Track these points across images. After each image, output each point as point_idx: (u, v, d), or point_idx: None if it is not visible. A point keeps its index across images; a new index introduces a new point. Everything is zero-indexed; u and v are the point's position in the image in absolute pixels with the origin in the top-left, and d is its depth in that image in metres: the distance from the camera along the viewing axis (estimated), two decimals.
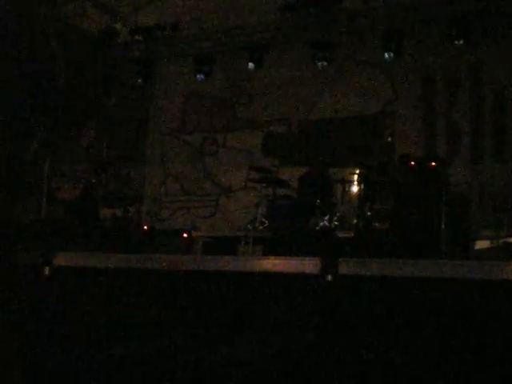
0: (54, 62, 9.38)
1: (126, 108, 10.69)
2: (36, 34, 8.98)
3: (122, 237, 8.08)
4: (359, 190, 7.28)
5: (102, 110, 10.44)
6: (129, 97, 10.61)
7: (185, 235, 8.74)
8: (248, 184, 9.62)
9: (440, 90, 8.95)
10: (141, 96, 10.79)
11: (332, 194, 7.74)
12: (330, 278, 5.18)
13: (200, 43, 9.86)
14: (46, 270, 6.30)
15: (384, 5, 8.58)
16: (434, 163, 6.92)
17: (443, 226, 6.23)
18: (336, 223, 7.48)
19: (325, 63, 8.90)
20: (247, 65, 9.37)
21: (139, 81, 10.09)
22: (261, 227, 7.82)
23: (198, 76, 9.71)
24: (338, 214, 7.54)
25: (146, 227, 9.28)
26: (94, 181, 8.69)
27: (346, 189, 7.77)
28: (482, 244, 6.89)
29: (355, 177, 7.50)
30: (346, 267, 5.22)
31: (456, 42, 8.17)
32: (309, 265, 5.35)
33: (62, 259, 6.42)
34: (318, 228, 7.26)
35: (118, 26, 10.02)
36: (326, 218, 7.33)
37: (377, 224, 6.87)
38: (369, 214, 6.99)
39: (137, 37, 9.98)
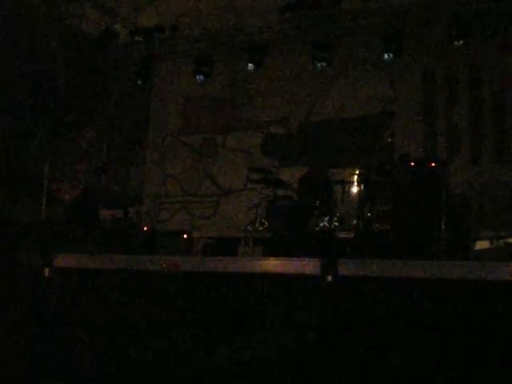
0: (54, 63, 9.38)
1: (125, 109, 10.69)
2: (36, 35, 8.98)
3: (122, 238, 8.07)
4: (359, 191, 7.27)
5: (102, 110, 10.44)
6: (128, 98, 10.61)
7: (185, 236, 8.74)
8: (248, 185, 9.62)
9: (440, 90, 8.94)
10: (140, 97, 10.79)
11: (332, 195, 7.73)
12: (329, 278, 5.18)
13: (200, 44, 9.86)
14: (46, 272, 6.30)
15: (384, 5, 8.59)
16: (433, 164, 6.92)
17: (443, 227, 6.22)
18: (336, 224, 7.47)
19: (324, 64, 8.90)
20: (247, 66, 9.37)
21: (139, 82, 10.09)
22: (261, 228, 7.82)
23: (197, 77, 9.71)
24: (337, 215, 7.54)
25: (145, 228, 9.27)
26: (93, 182, 8.68)
27: (346, 189, 7.77)
28: (482, 244, 6.89)
29: (355, 177, 7.50)
30: (345, 268, 5.22)
31: (456, 43, 8.18)
32: (309, 266, 5.35)
33: (61, 260, 6.42)
34: (317, 229, 7.25)
35: (118, 27, 10.02)
36: (326, 218, 7.32)
37: (377, 225, 6.85)
38: (369, 214, 6.97)
39: (136, 38, 9.98)
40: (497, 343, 4.41)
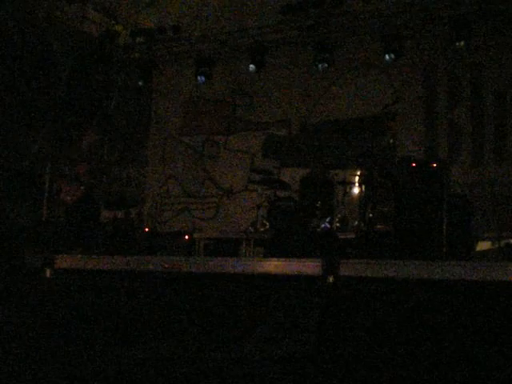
0: (55, 64, 9.39)
1: (126, 110, 10.70)
2: (37, 36, 8.99)
3: (123, 239, 8.08)
4: (360, 192, 7.28)
5: (103, 112, 10.45)
6: (130, 99, 10.62)
7: (186, 237, 8.75)
8: (249, 186, 9.62)
9: (441, 91, 8.94)
10: (142, 98, 10.80)
11: (333, 196, 7.74)
12: (331, 279, 5.17)
13: (201, 45, 9.87)
14: (47, 272, 6.30)
15: (384, 6, 8.59)
16: (435, 164, 6.91)
17: (445, 228, 6.22)
18: (337, 225, 7.48)
19: (326, 65, 8.91)
20: (248, 67, 9.38)
21: (140, 83, 10.10)
22: (262, 229, 7.83)
23: (198, 78, 9.72)
24: (339, 216, 7.55)
25: (147, 229, 9.28)
26: (95, 183, 8.70)
27: (348, 190, 7.78)
28: (483, 245, 6.89)
29: (356, 178, 7.50)
30: (347, 269, 5.21)
31: (457, 44, 8.18)
32: (310, 266, 5.34)
33: (62, 261, 6.42)
34: (319, 229, 7.26)
35: (119, 28, 10.03)
36: (328, 219, 7.33)
37: (378, 225, 6.86)
38: (370, 215, 6.98)
39: (138, 39, 10.00)
40: (499, 343, 4.40)
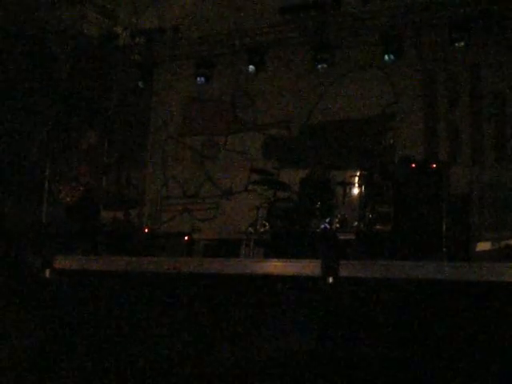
0: (55, 65, 9.39)
1: (126, 111, 10.70)
2: (37, 38, 9.00)
3: (123, 240, 8.08)
4: (360, 192, 7.28)
5: (103, 113, 10.45)
6: (129, 100, 10.62)
7: (186, 238, 8.75)
8: (249, 186, 9.61)
9: (440, 91, 8.94)
10: (141, 99, 10.80)
11: (333, 197, 7.74)
12: (330, 280, 5.17)
13: (200, 46, 9.87)
14: (47, 273, 6.30)
15: (384, 7, 8.59)
16: (434, 165, 6.93)
17: (444, 228, 6.22)
18: (337, 225, 7.48)
19: (325, 65, 8.91)
20: (247, 67, 9.38)
21: (140, 84, 10.10)
22: (262, 230, 7.81)
23: (198, 79, 9.72)
24: (338, 217, 7.54)
25: (146, 230, 9.28)
26: (95, 184, 8.70)
27: (347, 191, 7.78)
28: (483, 246, 6.88)
29: (356, 179, 7.51)
30: (346, 269, 5.22)
31: (456, 45, 8.18)
32: (310, 267, 5.35)
33: (62, 262, 6.42)
34: (318, 230, 7.26)
35: (119, 29, 10.04)
36: (327, 220, 7.33)
37: (378, 226, 6.86)
38: (370, 216, 6.98)
39: (137, 40, 10.00)
40: (499, 344, 4.40)
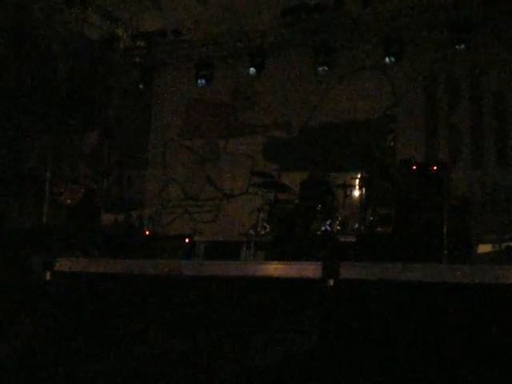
0: (56, 67, 9.40)
1: (127, 113, 10.71)
2: (38, 40, 9.01)
3: (124, 242, 8.07)
4: (361, 195, 7.28)
5: (104, 115, 10.46)
6: (130, 102, 10.63)
7: (186, 240, 8.74)
8: (249, 189, 9.61)
9: (441, 94, 8.95)
10: (142, 101, 10.81)
11: (333, 199, 7.73)
12: (331, 282, 5.16)
13: (201, 48, 9.88)
14: (47, 275, 6.29)
15: (385, 9, 8.60)
16: (435, 167, 6.92)
17: (445, 230, 6.22)
18: (338, 227, 7.48)
19: (326, 68, 8.93)
20: (248, 70, 9.39)
21: (141, 86, 10.12)
22: (262, 232, 7.81)
23: (199, 81, 9.74)
24: (339, 219, 7.54)
25: (147, 232, 9.28)
26: (95, 186, 8.70)
27: (348, 193, 7.78)
28: (484, 248, 6.88)
29: (357, 181, 7.50)
30: (347, 272, 5.20)
31: (457, 46, 8.19)
32: (310, 269, 5.33)
33: (63, 264, 6.41)
34: (319, 232, 7.25)
35: (120, 31, 10.05)
36: (328, 222, 7.32)
37: (379, 228, 6.86)
38: (371, 218, 6.98)
39: (138, 42, 10.02)
40: (499, 347, 4.40)
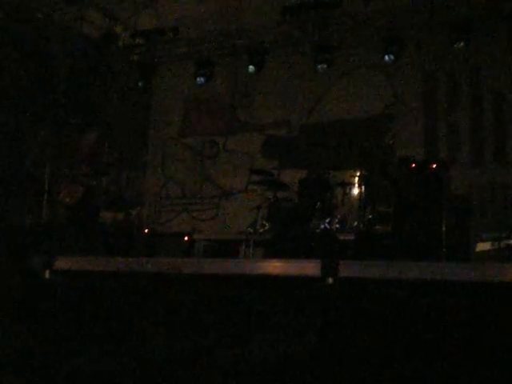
0: (55, 66, 9.39)
1: (126, 111, 10.70)
2: (37, 38, 9.00)
3: (123, 240, 8.08)
4: (360, 193, 7.28)
5: (103, 113, 10.45)
6: (129, 100, 10.62)
7: (186, 238, 8.75)
8: (249, 187, 9.62)
9: (440, 92, 8.95)
10: (141, 99, 10.80)
11: (332, 197, 7.74)
12: (330, 280, 5.17)
13: (200, 46, 9.87)
14: (47, 274, 6.29)
15: (384, 7, 8.59)
16: (434, 165, 6.92)
17: (444, 228, 6.22)
18: (337, 226, 7.48)
19: (325, 66, 8.91)
20: (247, 68, 9.38)
21: (140, 84, 10.10)
22: (261, 230, 7.82)
23: (198, 79, 9.72)
24: (338, 217, 7.55)
25: (146, 230, 9.28)
26: (94, 184, 8.70)
27: (347, 191, 7.78)
28: (483, 246, 6.88)
29: (356, 179, 7.51)
30: (346, 270, 5.21)
31: (456, 45, 8.19)
32: (309, 267, 5.34)
33: (62, 262, 6.41)
34: (318, 230, 7.26)
35: (119, 29, 10.03)
36: (327, 220, 7.33)
37: (378, 226, 6.87)
38: (370, 216, 6.99)
39: (137, 40, 10.01)
40: (499, 345, 4.40)
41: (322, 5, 8.78)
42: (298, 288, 5.28)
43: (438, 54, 8.80)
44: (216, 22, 9.43)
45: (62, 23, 9.41)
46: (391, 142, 9.02)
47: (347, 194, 7.78)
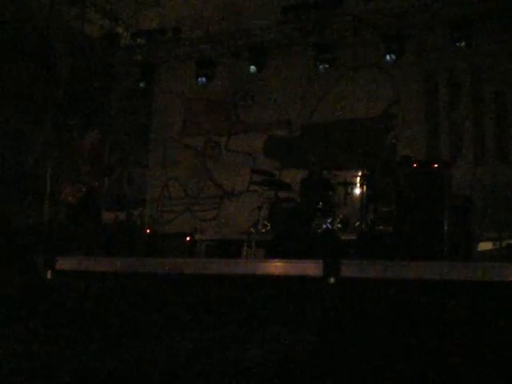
0: (57, 66, 9.40)
1: (128, 111, 10.71)
2: (39, 38, 9.01)
3: (125, 240, 8.08)
4: (362, 193, 7.27)
5: (105, 113, 10.46)
6: (131, 100, 10.63)
7: (187, 238, 8.75)
8: (250, 187, 9.61)
9: (442, 91, 8.94)
10: (143, 99, 10.81)
11: (334, 197, 7.73)
12: (332, 280, 5.17)
13: (201, 46, 9.87)
14: (48, 274, 6.30)
15: (385, 7, 8.59)
16: (436, 165, 6.91)
17: (446, 228, 6.21)
18: (339, 226, 7.48)
19: (326, 65, 8.91)
20: (249, 68, 9.38)
21: (141, 84, 10.11)
22: (263, 230, 7.81)
23: (199, 79, 9.73)
24: (340, 217, 7.54)
25: (148, 231, 9.29)
26: (96, 184, 8.71)
27: (349, 191, 7.78)
28: (484, 245, 6.88)
29: (358, 179, 7.50)
30: (348, 269, 5.21)
31: (457, 45, 8.18)
32: (311, 267, 5.34)
33: (64, 263, 6.42)
34: (320, 230, 7.25)
35: (120, 29, 10.05)
36: (329, 220, 7.32)
37: (379, 226, 6.85)
38: (372, 216, 6.97)
39: (139, 40, 10.01)
40: (500, 344, 4.40)
41: (323, 4, 8.78)
42: (299, 288, 5.28)
43: (440, 53, 8.79)
44: (217, 22, 9.44)
45: (63, 23, 9.43)
46: (393, 141, 9.01)
47: (349, 193, 7.77)
